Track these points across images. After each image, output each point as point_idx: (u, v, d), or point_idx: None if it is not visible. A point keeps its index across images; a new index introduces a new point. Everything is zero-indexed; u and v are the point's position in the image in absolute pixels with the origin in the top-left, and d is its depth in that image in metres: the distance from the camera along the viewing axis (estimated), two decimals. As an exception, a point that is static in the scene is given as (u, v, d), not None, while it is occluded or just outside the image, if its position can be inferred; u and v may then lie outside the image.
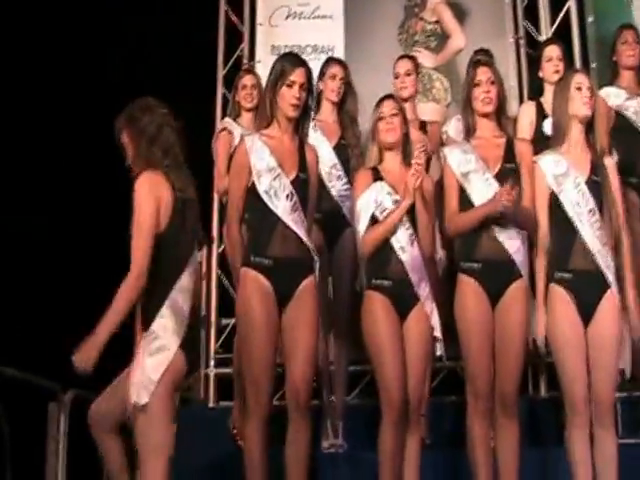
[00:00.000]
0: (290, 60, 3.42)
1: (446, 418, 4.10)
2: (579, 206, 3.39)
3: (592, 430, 3.29)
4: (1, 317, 4.89)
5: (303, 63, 3.41)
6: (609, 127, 4.17)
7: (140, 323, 2.96)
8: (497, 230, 3.43)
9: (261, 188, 3.32)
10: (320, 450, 3.97)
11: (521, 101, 5.13)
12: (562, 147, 3.47)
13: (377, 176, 3.56)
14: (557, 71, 4.21)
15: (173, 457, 2.98)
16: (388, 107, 3.58)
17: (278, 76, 3.37)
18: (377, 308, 3.42)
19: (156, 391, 2.86)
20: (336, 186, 4.10)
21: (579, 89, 3.44)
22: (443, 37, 5.49)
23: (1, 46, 5.43)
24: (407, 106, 4.06)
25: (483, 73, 3.54)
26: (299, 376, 3.26)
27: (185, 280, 2.99)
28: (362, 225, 3.53)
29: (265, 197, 3.32)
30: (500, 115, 3.58)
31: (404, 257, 3.45)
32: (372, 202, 3.51)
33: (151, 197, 2.93)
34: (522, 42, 5.47)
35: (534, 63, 4.54)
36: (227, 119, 4.63)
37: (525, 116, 4.31)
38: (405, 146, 3.61)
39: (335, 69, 4.21)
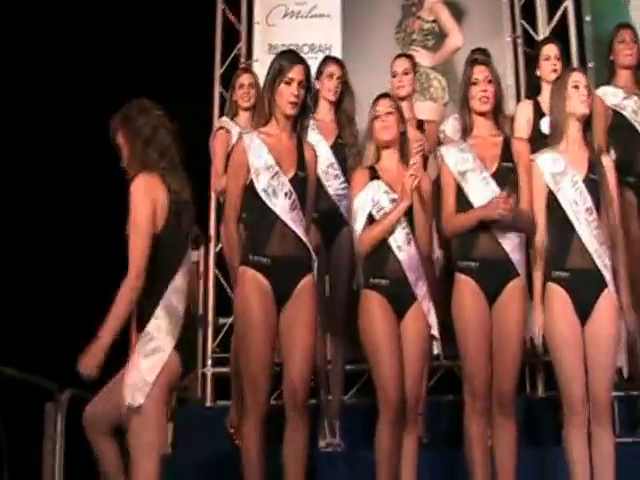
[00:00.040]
0: (288, 57, 3.41)
1: (443, 417, 4.10)
2: (577, 204, 3.39)
3: (590, 429, 3.29)
4: (-2, 317, 4.89)
5: (301, 60, 3.40)
6: (606, 126, 4.17)
7: (135, 324, 2.96)
8: (494, 229, 3.43)
9: (259, 186, 3.31)
10: (317, 449, 3.97)
11: (518, 100, 5.13)
12: (560, 145, 3.47)
13: (374, 175, 3.56)
14: (555, 70, 4.22)
15: (165, 457, 2.98)
16: (383, 106, 3.58)
17: (276, 73, 3.36)
18: (374, 307, 3.41)
19: (151, 392, 2.87)
20: (333, 185, 4.10)
21: (576, 87, 3.44)
22: (440, 36, 5.49)
23: (1, 46, 5.42)
24: (404, 105, 4.05)
25: (480, 72, 3.54)
26: (297, 375, 3.25)
27: (179, 281, 2.99)
28: (359, 224, 3.52)
29: (263, 195, 3.31)
30: (497, 114, 3.58)
31: (401, 256, 3.45)
32: (369, 201, 3.51)
33: (147, 199, 2.94)
34: (519, 41, 5.48)
35: (531, 62, 4.54)
36: (224, 118, 4.63)
37: (522, 115, 4.31)
38: (402, 144, 3.60)
39: (332, 68, 4.21)
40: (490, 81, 3.53)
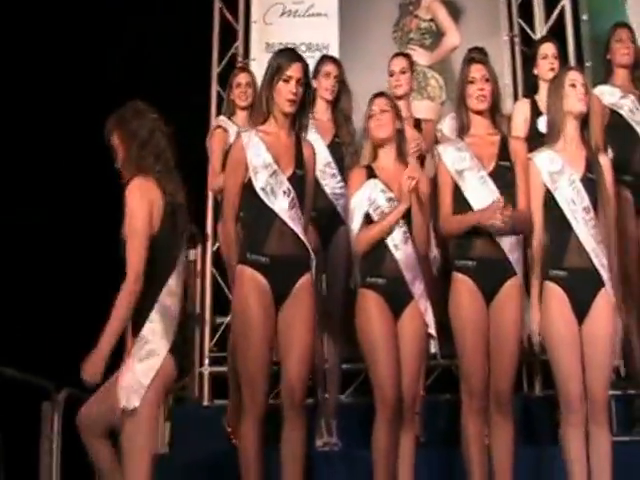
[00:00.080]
0: (286, 55, 3.40)
1: (441, 416, 4.10)
2: (574, 204, 3.38)
3: (587, 428, 3.29)
4: (-5, 316, 4.89)
5: (299, 58, 3.39)
6: (603, 125, 4.17)
7: (130, 327, 2.96)
8: (491, 228, 3.43)
9: (258, 185, 3.30)
10: (314, 448, 3.97)
11: (516, 99, 5.13)
12: (557, 144, 3.47)
13: (371, 174, 3.56)
14: (552, 69, 4.22)
15: (158, 457, 2.99)
16: (378, 104, 3.58)
17: (274, 71, 3.35)
18: (371, 306, 3.41)
19: (146, 396, 2.88)
20: (330, 184, 4.09)
21: (573, 86, 3.44)
22: (438, 35, 5.49)
23: (1, 46, 5.41)
24: (402, 104, 4.05)
25: (477, 70, 3.54)
26: (295, 374, 3.25)
27: (173, 282, 3.00)
28: (356, 223, 3.52)
29: (262, 194, 3.30)
30: (494, 113, 3.58)
31: (398, 255, 3.45)
32: (365, 200, 3.51)
33: (144, 203, 2.95)
34: (517, 40, 5.48)
35: (529, 61, 4.54)
36: (222, 117, 4.62)
37: (519, 114, 4.31)
38: (399, 142, 3.60)
39: (329, 67, 4.20)
40: (487, 80, 3.53)
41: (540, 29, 5.47)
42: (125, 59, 5.69)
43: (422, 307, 3.45)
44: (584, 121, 3.47)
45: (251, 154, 3.32)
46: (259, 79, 4.33)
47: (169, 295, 2.98)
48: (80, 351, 3.16)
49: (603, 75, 4.46)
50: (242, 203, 3.35)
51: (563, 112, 3.45)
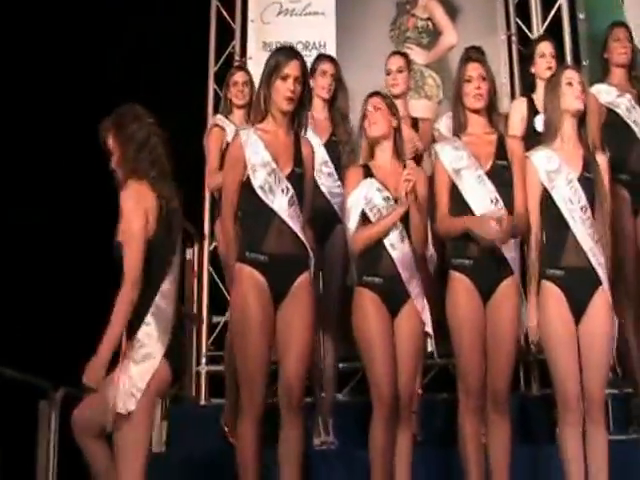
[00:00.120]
0: (284, 53, 3.38)
1: (437, 415, 4.10)
2: (571, 203, 3.39)
3: (584, 427, 3.29)
4: (-9, 315, 4.88)
5: (297, 56, 3.37)
6: (600, 124, 4.17)
7: (125, 330, 2.96)
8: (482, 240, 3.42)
9: (256, 183, 3.29)
10: (311, 447, 3.97)
11: (513, 98, 5.14)
12: (554, 143, 3.47)
13: (368, 173, 3.56)
14: (550, 67, 4.22)
15: (153, 456, 2.99)
16: (372, 103, 3.58)
17: (272, 69, 3.33)
18: (367, 305, 3.41)
19: (141, 399, 2.88)
20: (327, 183, 4.09)
21: (570, 84, 3.44)
22: (435, 34, 5.49)
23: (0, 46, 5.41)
24: (399, 103, 4.04)
25: (474, 69, 3.54)
26: (293, 373, 3.24)
27: (168, 285, 3.01)
28: (352, 222, 3.52)
29: (260, 192, 3.29)
30: (491, 112, 3.57)
31: (394, 254, 3.45)
32: (362, 199, 3.51)
33: (139, 208, 2.96)
34: (514, 39, 5.49)
35: (526, 60, 4.54)
36: (219, 116, 4.61)
37: (516, 112, 4.31)
38: (396, 141, 3.60)
39: (325, 66, 4.20)
40: (484, 78, 3.53)
41: (537, 28, 5.48)
42: (122, 58, 5.68)
43: (419, 306, 3.45)
44: (581, 120, 3.47)
45: (250, 152, 3.31)
46: (256, 78, 4.33)
47: (164, 298, 2.99)
48: (77, 350, 3.15)
49: (600, 74, 4.46)
50: (240, 201, 3.34)
51: (560, 111, 3.45)
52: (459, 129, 3.58)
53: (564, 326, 3.31)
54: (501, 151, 3.52)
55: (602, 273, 3.34)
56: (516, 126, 4.22)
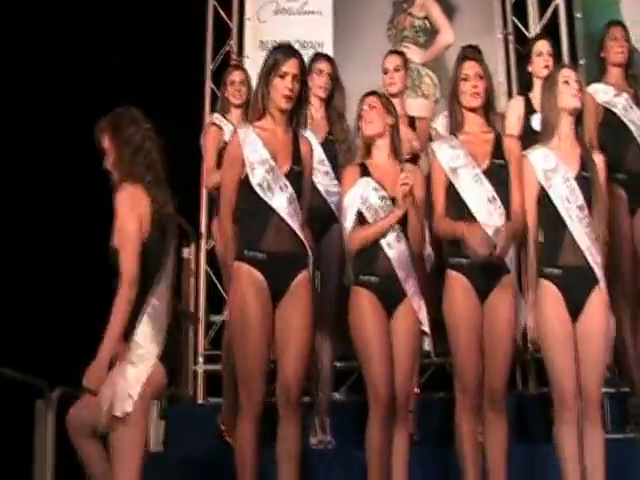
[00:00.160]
0: (283, 51, 3.37)
1: (434, 414, 4.10)
2: (568, 202, 3.38)
3: (581, 426, 3.30)
4: (-12, 315, 4.87)
5: (296, 54, 3.36)
6: (597, 123, 4.18)
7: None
8: (485, 226, 3.42)
9: (254, 181, 3.28)
10: (308, 446, 3.96)
11: (510, 97, 5.14)
12: (551, 142, 3.47)
13: (364, 172, 3.56)
14: (547, 66, 4.22)
15: (150, 455, 2.99)
16: (367, 102, 3.59)
17: (270, 67, 3.32)
18: (364, 304, 3.41)
19: (137, 401, 2.88)
20: (323, 182, 4.09)
21: (567, 83, 3.44)
22: (432, 33, 5.50)
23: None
24: (396, 102, 4.04)
25: (471, 67, 3.54)
26: (291, 372, 3.22)
27: (163, 287, 3.02)
28: (348, 221, 3.51)
29: (258, 190, 3.27)
30: (488, 110, 3.57)
31: (391, 254, 3.45)
32: (358, 198, 3.50)
33: (134, 210, 2.97)
34: (511, 38, 5.50)
35: (523, 59, 4.55)
36: (216, 114, 4.61)
37: (513, 111, 4.31)
38: (393, 139, 3.60)
39: (322, 65, 4.19)
40: (481, 77, 3.52)
41: (534, 27, 5.49)
42: (120, 57, 5.68)
43: (415, 305, 3.45)
44: (578, 118, 3.47)
45: (248, 150, 3.30)
46: (253, 77, 4.33)
47: (159, 299, 2.99)
48: (74, 350, 3.16)
49: (597, 73, 4.46)
50: (239, 200, 3.33)
51: (557, 109, 3.45)
52: (455, 128, 3.57)
53: (561, 325, 3.31)
54: (498, 150, 3.52)
55: (599, 272, 3.35)
56: (513, 125, 4.22)
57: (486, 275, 3.41)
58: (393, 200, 3.48)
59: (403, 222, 3.46)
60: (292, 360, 3.23)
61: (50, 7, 5.57)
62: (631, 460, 3.69)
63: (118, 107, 3.15)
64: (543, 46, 4.33)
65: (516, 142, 3.61)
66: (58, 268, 5.34)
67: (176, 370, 3.10)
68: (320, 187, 4.07)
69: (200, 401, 5.01)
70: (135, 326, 2.94)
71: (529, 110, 4.22)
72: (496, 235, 3.29)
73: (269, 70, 3.32)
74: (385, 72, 4.34)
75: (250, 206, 3.30)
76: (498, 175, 3.48)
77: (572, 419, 3.27)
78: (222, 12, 5.64)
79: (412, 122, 4.34)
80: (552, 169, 3.43)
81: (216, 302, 5.17)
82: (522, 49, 4.92)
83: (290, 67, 3.30)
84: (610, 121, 4.24)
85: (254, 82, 3.93)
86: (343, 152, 4.10)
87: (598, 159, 3.48)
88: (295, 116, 3.37)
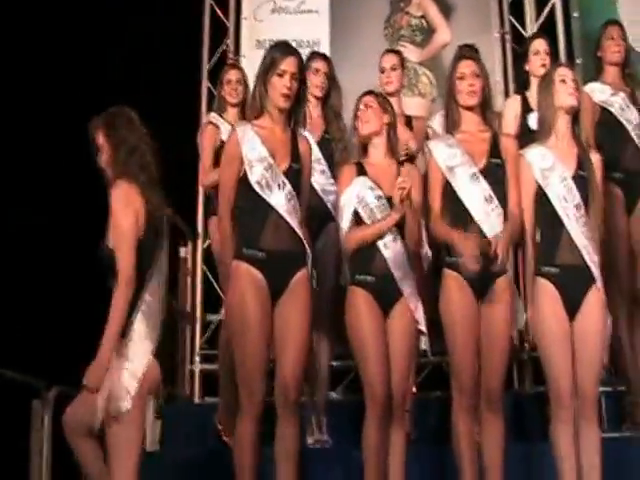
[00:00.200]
0: (281, 49, 3.35)
1: (431, 413, 4.10)
2: (565, 201, 3.39)
3: (577, 425, 3.30)
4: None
5: (294, 52, 3.35)
6: (594, 122, 4.18)
7: None
8: (482, 225, 3.43)
9: (253, 178, 3.27)
10: (305, 446, 3.96)
11: (507, 96, 5.14)
12: (549, 141, 3.47)
13: (361, 171, 3.56)
14: (544, 65, 4.22)
15: (143, 456, 2.98)
16: (364, 101, 3.59)
17: (268, 65, 3.31)
18: (360, 303, 3.41)
19: (133, 398, 2.88)
20: (320, 181, 4.08)
21: (563, 81, 3.45)
22: (429, 32, 5.50)
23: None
24: (393, 101, 4.03)
25: (467, 66, 3.53)
26: (289, 371, 3.21)
27: (156, 283, 3.02)
28: (345, 221, 3.51)
29: (257, 187, 3.26)
30: (485, 109, 3.57)
31: (387, 254, 3.44)
32: (354, 197, 3.50)
33: (129, 208, 2.98)
34: (508, 37, 5.50)
35: (519, 58, 4.55)
36: (213, 113, 4.60)
37: (510, 110, 4.32)
38: (390, 139, 3.59)
39: (318, 64, 4.19)
40: (477, 75, 3.52)
41: (531, 26, 5.49)
42: (116, 56, 5.67)
43: (412, 305, 3.45)
44: (575, 117, 3.47)
45: (246, 148, 3.29)
46: (250, 76, 4.33)
47: (152, 295, 2.99)
48: (71, 350, 3.15)
49: (594, 72, 4.47)
50: (237, 198, 3.31)
51: (554, 108, 3.45)
52: (452, 127, 3.57)
53: (558, 324, 3.31)
54: (495, 149, 3.52)
55: (596, 271, 3.35)
56: (510, 124, 4.22)
57: (483, 274, 3.40)
58: (389, 199, 3.48)
59: (400, 222, 3.46)
60: (291, 359, 3.21)
61: (49, 7, 5.56)
62: (627, 459, 3.69)
63: (114, 106, 3.16)
64: (540, 45, 4.33)
65: (513, 141, 3.61)
66: (55, 268, 5.34)
67: (171, 367, 3.09)
68: (316, 186, 4.06)
69: (197, 400, 5.01)
70: (130, 323, 2.94)
71: (526, 109, 4.22)
72: (496, 237, 3.28)
73: (267, 68, 3.31)
74: (382, 71, 4.34)
75: (248, 204, 3.29)
76: (495, 174, 3.48)
77: (568, 418, 3.27)
78: (219, 11, 5.64)
79: (409, 121, 4.33)
80: (549, 168, 3.43)
81: (213, 301, 5.17)
82: (519, 48, 4.92)
83: (288, 65, 3.29)
84: (607, 120, 4.24)
85: (251, 81, 3.93)
86: (339, 151, 4.09)
87: (595, 158, 3.49)
88: (294, 115, 3.36)
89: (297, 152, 3.35)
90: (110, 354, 2.88)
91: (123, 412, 2.87)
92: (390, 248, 3.45)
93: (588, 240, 3.36)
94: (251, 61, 5.09)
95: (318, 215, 4.01)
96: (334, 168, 4.03)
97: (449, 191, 3.48)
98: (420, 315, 3.47)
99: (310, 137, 4.01)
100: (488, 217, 3.42)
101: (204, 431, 4.27)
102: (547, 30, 5.23)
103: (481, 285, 3.41)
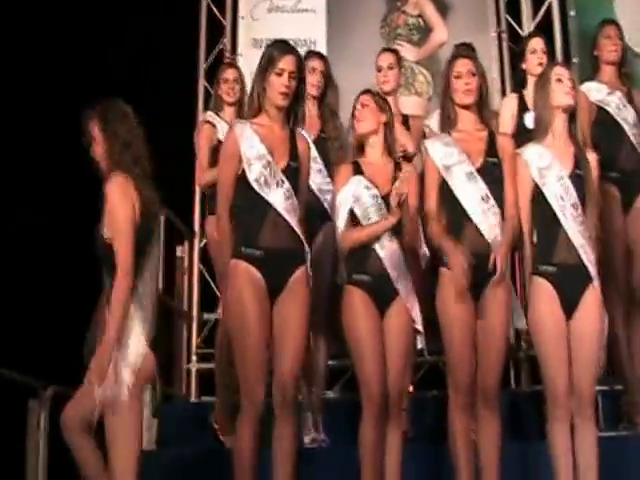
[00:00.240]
0: (279, 47, 3.34)
1: (428, 412, 4.11)
2: (562, 200, 3.39)
3: (573, 424, 3.30)
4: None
5: (293, 51, 3.34)
6: (590, 121, 4.18)
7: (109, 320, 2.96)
8: (479, 223, 3.43)
9: (251, 176, 3.26)
10: (302, 445, 3.96)
11: (503, 95, 5.15)
12: (545, 140, 3.47)
13: (357, 170, 3.56)
14: (541, 63, 4.22)
15: (142, 452, 2.99)
16: (360, 101, 3.59)
17: (267, 64, 3.30)
18: (356, 303, 3.41)
19: (130, 387, 2.89)
20: (316, 180, 4.07)
21: (559, 80, 3.45)
22: (425, 31, 5.50)
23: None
24: (390, 100, 4.04)
25: (463, 65, 3.53)
26: (287, 370, 3.20)
27: (148, 275, 3.03)
28: (341, 220, 3.51)
29: (255, 185, 3.25)
30: (482, 108, 3.56)
31: (383, 253, 3.44)
32: (350, 197, 3.50)
33: (126, 200, 2.99)
34: (504, 36, 5.50)
35: (516, 57, 4.55)
36: (210, 112, 4.60)
37: (507, 109, 4.31)
38: (386, 138, 3.59)
39: (314, 63, 4.18)
40: (474, 74, 3.51)
41: (527, 25, 5.50)
42: (113, 55, 5.67)
43: (408, 304, 3.45)
44: (572, 116, 3.47)
45: (245, 146, 3.28)
46: (247, 75, 4.33)
47: (145, 287, 3.00)
48: (67, 349, 3.15)
49: (590, 71, 4.46)
50: (235, 196, 3.30)
51: (551, 108, 3.45)
52: (448, 126, 3.57)
53: (555, 323, 3.32)
54: (492, 148, 3.51)
55: (593, 270, 3.35)
56: (507, 123, 4.22)
57: (479, 273, 3.40)
58: (385, 198, 3.48)
59: (398, 227, 3.46)
60: (289, 358, 3.20)
61: (47, 7, 5.56)
62: (624, 458, 3.69)
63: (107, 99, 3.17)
64: (537, 43, 4.33)
65: (509, 140, 3.61)
66: (51, 268, 5.33)
67: (168, 366, 3.10)
68: (313, 185, 4.05)
69: (193, 399, 5.01)
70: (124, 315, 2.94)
71: (523, 108, 4.22)
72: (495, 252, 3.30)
73: (266, 67, 3.30)
74: (379, 70, 4.34)
75: (247, 203, 3.28)
76: (492, 173, 3.48)
77: (564, 416, 3.27)
78: (215, 10, 5.64)
79: (406, 120, 4.33)
80: (546, 167, 3.43)
81: (209, 300, 5.17)
82: (516, 47, 4.92)
83: (287, 64, 3.28)
84: (603, 119, 4.24)
85: (248, 80, 3.93)
86: (336, 150, 4.09)
87: (591, 157, 3.49)
88: (292, 113, 3.35)
89: (296, 150, 3.34)
90: (113, 346, 2.89)
91: (121, 401, 2.87)
92: (386, 248, 3.45)
93: (585, 239, 3.36)
94: (248, 60, 5.09)
95: (314, 214, 4.01)
96: (330, 167, 4.03)
97: (445, 190, 3.48)
98: (416, 314, 3.47)
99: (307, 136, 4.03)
100: (485, 216, 3.42)
101: (201, 430, 4.27)
102: (544, 29, 5.23)
103: (478, 283, 3.41)
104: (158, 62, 5.60)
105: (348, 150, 3.76)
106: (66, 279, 5.24)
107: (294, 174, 3.32)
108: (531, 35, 4.61)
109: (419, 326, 3.47)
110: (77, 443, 3.05)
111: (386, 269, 3.43)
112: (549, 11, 5.48)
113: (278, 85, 3.28)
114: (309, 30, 5.48)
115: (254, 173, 3.26)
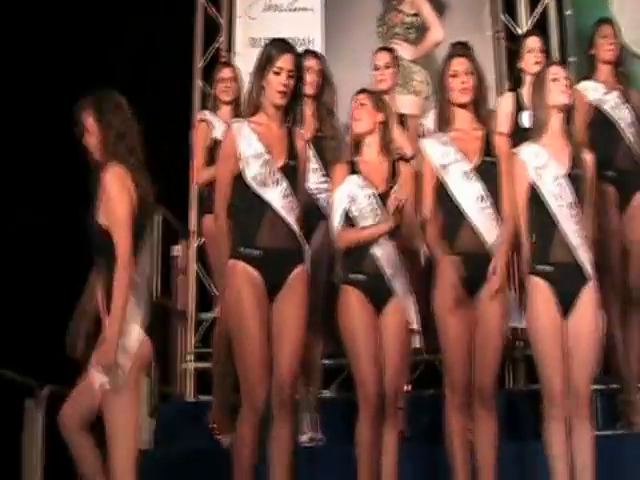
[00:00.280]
0: (277, 46, 3.33)
1: (424, 411, 4.10)
2: (559, 199, 3.39)
3: (570, 423, 3.30)
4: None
5: (291, 49, 3.33)
6: (587, 121, 4.18)
7: (105, 309, 2.97)
8: (476, 223, 3.43)
9: (249, 175, 3.25)
10: (298, 444, 3.95)
11: (500, 94, 5.14)
12: (542, 139, 3.47)
13: (353, 169, 3.55)
14: (538, 62, 4.22)
15: (145, 450, 2.99)
16: (356, 100, 3.59)
17: (265, 62, 3.29)
18: (352, 302, 3.41)
19: (127, 373, 2.90)
20: (312, 179, 4.07)
21: (555, 80, 3.45)
22: (422, 30, 5.50)
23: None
24: (386, 99, 4.04)
25: (460, 64, 3.53)
26: (285, 369, 3.19)
27: (143, 263, 3.04)
28: (336, 220, 3.51)
29: (253, 183, 3.25)
30: (478, 107, 3.56)
31: (379, 253, 3.44)
32: (345, 196, 3.50)
33: (125, 191, 2.99)
34: (501, 35, 5.50)
35: (513, 56, 4.55)
36: (206, 111, 4.60)
37: (503, 108, 4.32)
38: (383, 137, 3.58)
39: (311, 61, 4.17)
40: (470, 73, 3.51)
41: (524, 25, 5.49)
42: (109, 54, 5.66)
43: (404, 303, 3.45)
44: (568, 115, 3.47)
45: (243, 145, 3.27)
46: (244, 74, 4.32)
47: (140, 275, 3.01)
48: (64, 349, 3.14)
49: (587, 71, 4.47)
50: (233, 196, 3.30)
51: (547, 106, 3.45)
52: (444, 125, 3.56)
53: (551, 322, 3.32)
54: (488, 147, 3.52)
55: (590, 269, 3.36)
56: (503, 122, 4.22)
57: (476, 272, 3.41)
58: (381, 196, 3.48)
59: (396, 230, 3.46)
60: (287, 358, 3.20)
61: (47, 7, 5.56)
62: (621, 457, 3.70)
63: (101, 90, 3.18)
64: (534, 42, 4.34)
65: (505, 139, 3.61)
66: (48, 267, 5.32)
67: (164, 366, 3.11)
68: (309, 184, 4.06)
69: (190, 399, 5.00)
70: None
71: (519, 107, 4.22)
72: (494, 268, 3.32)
73: (264, 65, 3.30)
74: (375, 69, 4.34)
75: (245, 202, 3.27)
76: (488, 172, 3.48)
77: (561, 416, 3.28)
78: (212, 9, 5.63)
79: (402, 119, 4.33)
80: (543, 166, 3.43)
81: (206, 300, 5.17)
82: (512, 46, 4.92)
83: (285, 62, 3.28)
84: (600, 119, 4.24)
85: (244, 79, 3.92)
86: (332, 149, 4.09)
87: (587, 157, 3.49)
88: (290, 112, 3.34)
89: (293, 149, 3.34)
90: (118, 337, 2.89)
91: (119, 387, 2.87)
92: (382, 247, 3.45)
93: (582, 238, 3.37)
94: (245, 59, 5.08)
95: (310, 213, 4.01)
96: (327, 166, 4.03)
97: (442, 189, 3.48)
98: (413, 313, 3.47)
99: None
100: (481, 215, 3.42)
101: (197, 429, 4.27)
102: (540, 28, 5.23)
103: (474, 283, 3.41)
104: (154, 61, 5.59)
105: (344, 149, 3.75)
106: (65, 279, 5.22)
107: (292, 173, 3.31)
108: (528, 34, 4.62)
109: (415, 326, 3.47)
110: (75, 441, 3.05)
111: (382, 268, 3.43)
112: (545, 10, 5.48)
113: (276, 84, 3.27)
114: (306, 29, 5.48)
115: (252, 171, 3.26)
